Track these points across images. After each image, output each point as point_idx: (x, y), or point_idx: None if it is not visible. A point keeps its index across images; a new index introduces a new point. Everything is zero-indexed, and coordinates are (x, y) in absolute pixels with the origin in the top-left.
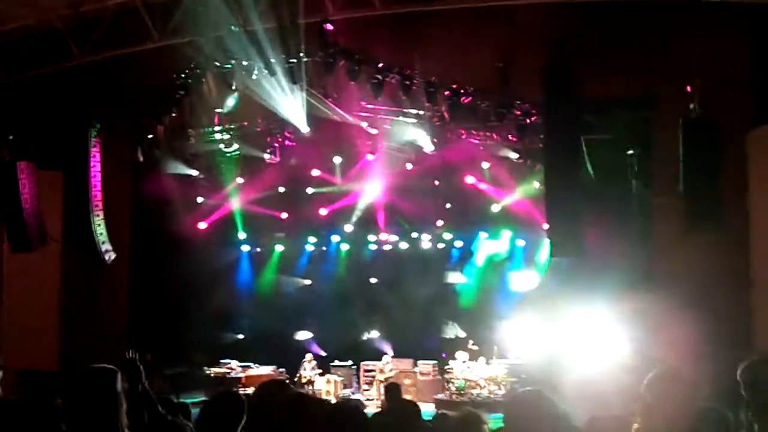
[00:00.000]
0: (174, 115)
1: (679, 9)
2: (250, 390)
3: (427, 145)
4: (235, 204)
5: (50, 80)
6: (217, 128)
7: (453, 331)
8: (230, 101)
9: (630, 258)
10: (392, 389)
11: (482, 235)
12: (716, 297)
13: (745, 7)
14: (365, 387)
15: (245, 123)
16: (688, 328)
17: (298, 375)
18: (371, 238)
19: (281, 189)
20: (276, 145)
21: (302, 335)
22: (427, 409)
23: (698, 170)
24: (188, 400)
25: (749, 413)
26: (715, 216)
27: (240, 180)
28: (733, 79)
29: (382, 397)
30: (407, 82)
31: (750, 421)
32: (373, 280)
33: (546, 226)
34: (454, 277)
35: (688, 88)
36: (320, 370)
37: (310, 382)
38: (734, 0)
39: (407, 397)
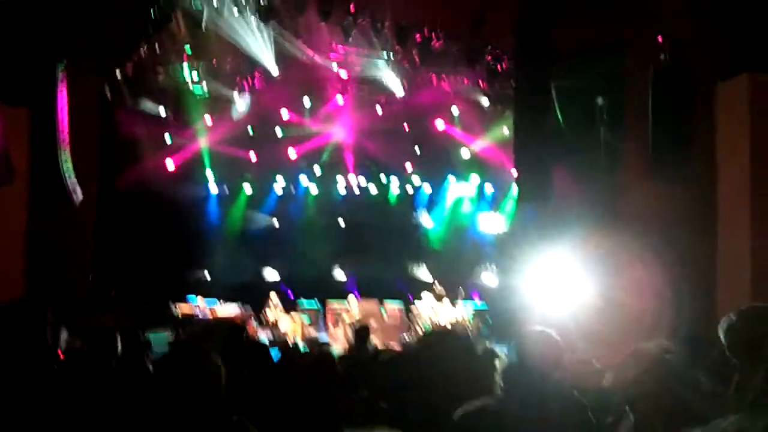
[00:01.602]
0: (143, 52)
1: None
2: None
3: (398, 89)
4: (203, 143)
5: (15, 13)
6: (185, 66)
7: (420, 273)
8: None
9: (596, 202)
10: (361, 332)
11: (451, 179)
12: (682, 243)
13: None
14: (331, 327)
15: (214, 61)
16: (653, 272)
17: (263, 314)
18: (340, 180)
19: (250, 129)
20: (245, 84)
21: (268, 275)
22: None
23: (667, 119)
24: (155, 335)
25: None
26: (683, 164)
27: (208, 119)
28: (707, 29)
29: (350, 339)
30: (378, 25)
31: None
32: (341, 222)
33: (514, 171)
34: (423, 220)
35: (660, 38)
36: (285, 309)
37: (275, 323)
38: None
39: (373, 337)
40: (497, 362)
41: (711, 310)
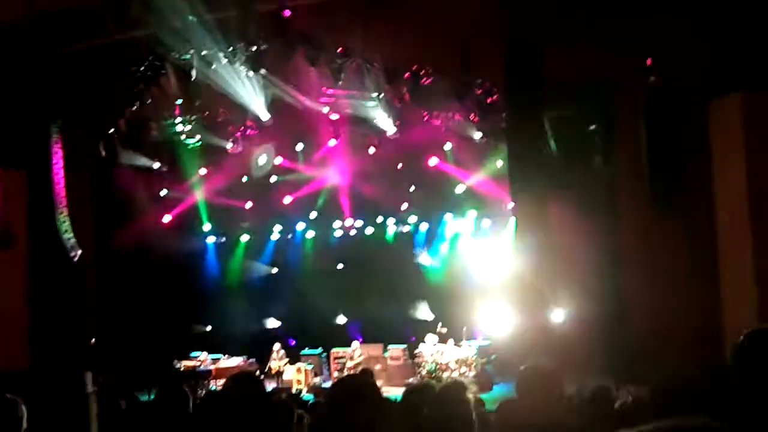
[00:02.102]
0: (135, 108)
1: None
2: (221, 382)
3: (390, 128)
4: (199, 195)
5: (8, 78)
6: (178, 119)
7: (422, 314)
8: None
9: (593, 231)
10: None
11: (448, 216)
12: (683, 269)
13: None
14: (335, 374)
15: (206, 113)
16: (654, 298)
17: (267, 365)
18: (336, 224)
19: (244, 178)
20: (238, 134)
21: (271, 324)
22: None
23: (660, 143)
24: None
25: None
26: (679, 188)
27: (203, 171)
28: (696, 50)
29: None
30: (367, 65)
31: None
32: (340, 266)
33: (511, 204)
34: (421, 260)
35: (648, 61)
36: (289, 359)
37: (280, 372)
38: None
39: (378, 382)
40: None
41: (717, 330)
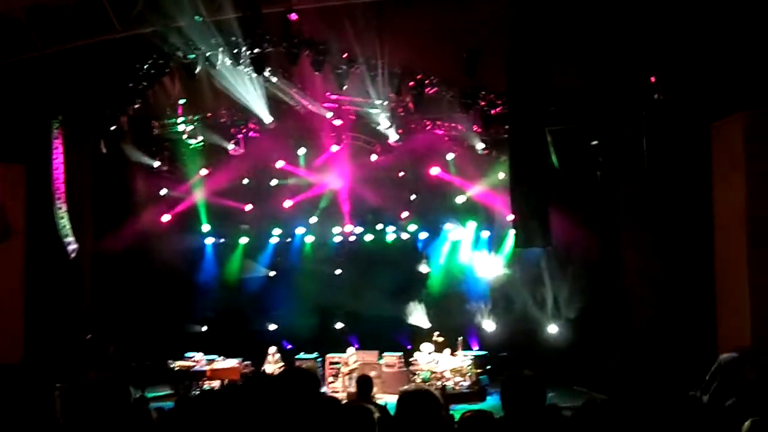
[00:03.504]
0: (137, 106)
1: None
2: (215, 383)
3: (392, 136)
4: (199, 195)
5: (11, 72)
6: (180, 119)
7: (418, 322)
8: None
9: (593, 244)
10: (364, 383)
11: (447, 226)
12: (681, 282)
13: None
14: (330, 380)
15: (209, 114)
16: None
17: (262, 369)
18: (336, 230)
19: (245, 180)
20: (240, 136)
21: (267, 327)
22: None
23: (662, 160)
24: (152, 394)
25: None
26: (678, 204)
27: (204, 171)
28: (699, 69)
29: (348, 390)
30: (372, 73)
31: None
32: (338, 272)
33: (511, 216)
34: (419, 269)
35: (652, 79)
36: (284, 363)
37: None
38: None
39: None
40: None
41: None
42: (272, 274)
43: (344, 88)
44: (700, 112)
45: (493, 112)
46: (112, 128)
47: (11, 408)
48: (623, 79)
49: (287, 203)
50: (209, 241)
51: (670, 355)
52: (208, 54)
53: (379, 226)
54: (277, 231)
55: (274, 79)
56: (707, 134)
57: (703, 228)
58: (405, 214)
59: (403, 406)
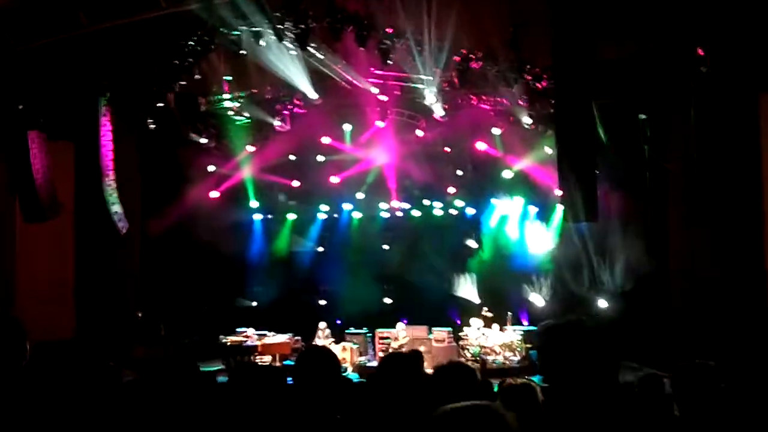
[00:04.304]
0: (184, 83)
1: None
2: (267, 358)
3: (438, 111)
4: (247, 172)
5: (60, 49)
6: (226, 96)
7: (468, 297)
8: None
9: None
10: (414, 358)
11: (495, 201)
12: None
13: None
14: (380, 354)
15: (254, 91)
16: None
17: (312, 343)
18: (383, 205)
19: (292, 157)
20: (286, 112)
21: (317, 302)
22: None
23: (710, 133)
24: (205, 369)
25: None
26: (728, 176)
27: (251, 148)
28: (747, 40)
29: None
30: (417, 48)
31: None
32: (386, 248)
33: (558, 191)
34: (468, 244)
35: (700, 51)
36: (334, 338)
37: None
38: None
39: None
40: None
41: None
42: (321, 249)
43: (389, 63)
44: (748, 82)
45: (539, 86)
46: (159, 105)
47: (66, 382)
48: (670, 51)
49: (334, 179)
50: (257, 217)
51: (721, 334)
52: (253, 30)
53: (426, 202)
54: (324, 207)
55: (319, 55)
56: (755, 105)
57: (752, 201)
58: (452, 190)
59: (437, 379)
